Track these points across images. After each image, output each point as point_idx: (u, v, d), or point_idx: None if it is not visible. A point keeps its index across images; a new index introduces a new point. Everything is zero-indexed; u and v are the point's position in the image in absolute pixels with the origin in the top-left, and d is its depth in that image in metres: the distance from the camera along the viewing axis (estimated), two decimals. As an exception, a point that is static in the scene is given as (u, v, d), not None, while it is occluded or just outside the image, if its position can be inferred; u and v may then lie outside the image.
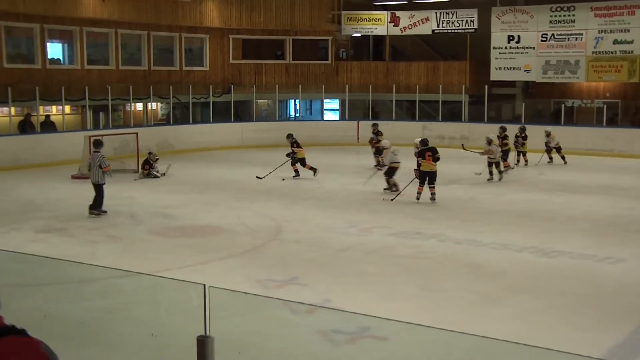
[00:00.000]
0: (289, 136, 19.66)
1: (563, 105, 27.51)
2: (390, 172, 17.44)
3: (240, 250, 11.90)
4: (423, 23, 29.91)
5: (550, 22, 27.60)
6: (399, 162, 17.40)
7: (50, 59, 25.02)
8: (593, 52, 26.92)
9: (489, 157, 19.00)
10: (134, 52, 27.68)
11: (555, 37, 27.55)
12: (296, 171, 19.46)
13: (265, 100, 31.62)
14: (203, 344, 4.36)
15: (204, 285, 4.50)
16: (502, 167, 19.37)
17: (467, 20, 29.06)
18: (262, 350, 6.42)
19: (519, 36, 28.18)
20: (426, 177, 16.06)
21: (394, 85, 29.36)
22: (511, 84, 29.80)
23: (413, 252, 11.72)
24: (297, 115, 32.84)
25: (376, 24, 30.63)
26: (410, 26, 30.19)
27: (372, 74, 30.74)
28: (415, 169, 16.24)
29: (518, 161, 22.14)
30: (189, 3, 28.00)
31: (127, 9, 26.06)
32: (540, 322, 8.53)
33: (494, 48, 28.61)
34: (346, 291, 9.64)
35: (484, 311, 8.95)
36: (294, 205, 15.91)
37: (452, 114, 29.67)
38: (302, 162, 19.52)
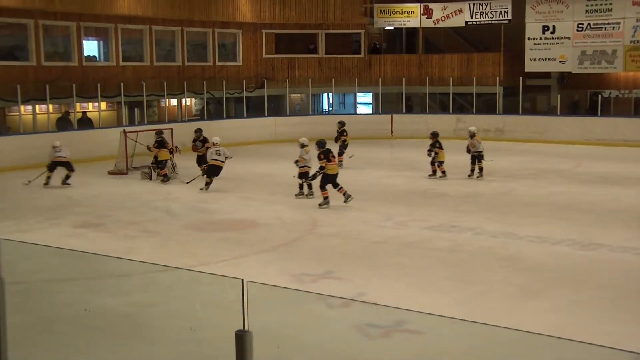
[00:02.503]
0: (197, 130, 19.09)
1: (600, 96, 27.10)
2: (213, 170, 16.87)
3: (276, 244, 11.95)
4: (456, 15, 29.69)
5: (587, 11, 27.19)
6: (222, 161, 16.90)
7: (86, 57, 25.32)
8: (631, 42, 26.46)
9: (302, 166, 16.03)
10: (168, 48, 27.89)
11: (592, 26, 27.14)
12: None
13: (299, 95, 31.65)
14: (242, 339, 4.38)
15: (242, 280, 4.52)
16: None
17: (500, 11, 28.77)
18: (298, 344, 6.44)
19: (554, 26, 27.82)
20: (330, 181, 14.75)
21: (427, 78, 29.20)
22: (546, 75, 29.45)
23: (449, 245, 11.66)
24: (330, 109, 32.83)
25: (409, 16, 30.46)
26: (443, 18, 29.99)
27: (405, 67, 30.60)
28: (318, 171, 14.89)
29: (434, 171, 18.46)
30: (222, -2, 28.13)
31: (161, 6, 26.26)
32: (579, 316, 8.44)
33: (529, 39, 28.29)
34: (382, 284, 9.64)
35: (521, 304, 8.88)
36: (329, 199, 15.89)
37: (487, 106, 29.42)
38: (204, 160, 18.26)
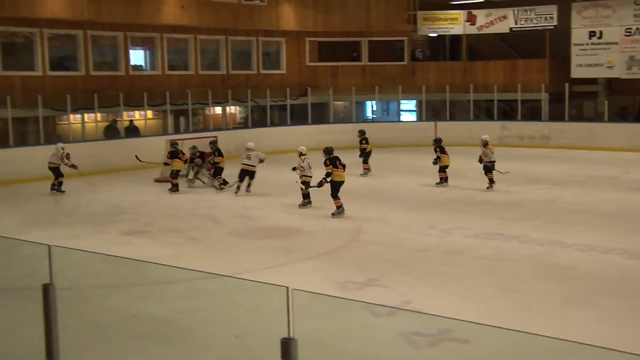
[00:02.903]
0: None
1: (649, 102, 26.61)
2: (243, 174, 17.43)
3: (320, 252, 11.96)
4: (500, 21, 29.42)
5: (635, 15, 26.68)
6: (253, 166, 17.40)
7: (133, 66, 25.74)
8: (681, 46, 25.92)
9: (301, 175, 15.83)
10: (213, 56, 28.18)
11: (640, 31, 26.64)
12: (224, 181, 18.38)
13: (342, 102, 31.66)
14: (287, 346, 4.41)
15: (287, 288, 4.55)
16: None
17: (546, 17, 28.42)
18: (343, 352, 6.45)
19: (601, 32, 27.37)
20: (338, 188, 14.69)
21: (471, 85, 28.95)
22: (593, 81, 28.95)
23: (494, 253, 11.55)
24: (373, 116, 32.78)
25: (452, 23, 30.29)
26: (487, 24, 29.75)
27: (449, 74, 30.40)
28: (324, 178, 14.85)
29: (441, 178, 18.42)
30: (266, 7, 28.31)
31: (206, 15, 26.55)
32: (629, 326, 8.28)
33: (575, 44, 27.88)
34: (426, 292, 9.59)
35: (569, 314, 8.74)
36: (373, 207, 15.89)
37: (532, 113, 29.06)
38: (219, 171, 18.44)
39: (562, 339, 4.32)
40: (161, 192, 18.14)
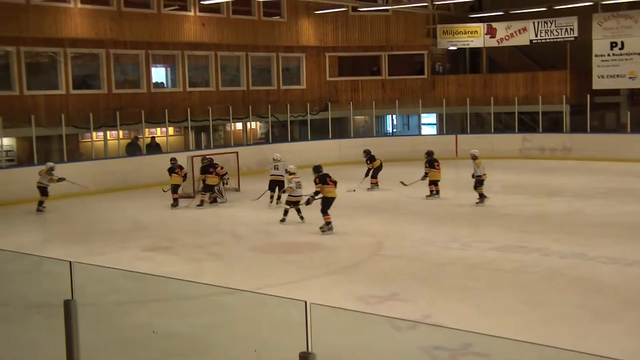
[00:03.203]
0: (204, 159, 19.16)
1: (672, 113, 26.36)
2: (272, 185, 18.00)
3: (341, 266, 11.96)
4: (521, 33, 29.33)
5: (657, 26, 26.53)
6: (281, 175, 17.77)
7: (154, 83, 25.96)
8: None
9: (289, 195, 15.90)
10: (233, 73, 28.36)
11: (663, 41, 26.44)
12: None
13: (363, 117, 31.70)
14: (306, 361, 4.41)
15: (306, 302, 4.54)
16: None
17: (566, 29, 28.29)
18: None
19: (622, 42, 27.20)
20: (329, 205, 14.65)
21: (492, 98, 28.86)
22: (615, 92, 28.78)
23: (516, 267, 11.47)
24: (394, 130, 32.77)
25: (472, 36, 30.26)
26: (507, 37, 29.68)
27: (469, 87, 30.35)
28: (312, 196, 14.94)
29: (431, 191, 18.59)
30: (285, 23, 28.49)
31: (226, 32, 26.76)
32: (654, 339, 8.18)
33: (596, 56, 27.72)
34: (448, 306, 9.53)
35: (593, 327, 8.65)
36: (393, 221, 15.86)
37: (553, 125, 28.89)
38: (209, 188, 18.47)
39: (587, 353, 4.27)
40: (182, 208, 18.23)
